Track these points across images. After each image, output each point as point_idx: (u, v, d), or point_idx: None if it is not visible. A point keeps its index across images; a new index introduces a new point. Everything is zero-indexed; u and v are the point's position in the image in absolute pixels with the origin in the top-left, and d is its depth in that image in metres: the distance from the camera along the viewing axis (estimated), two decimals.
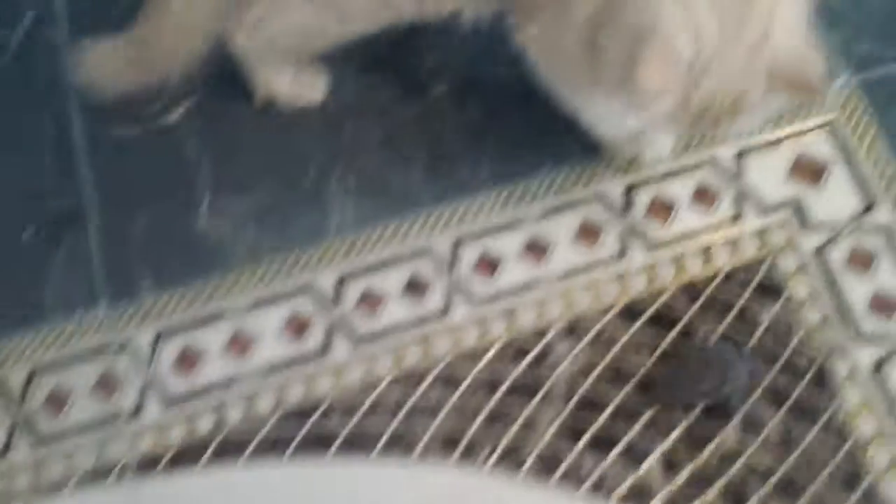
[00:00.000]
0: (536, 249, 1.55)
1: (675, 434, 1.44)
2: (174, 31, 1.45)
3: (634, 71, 1.12)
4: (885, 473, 1.40)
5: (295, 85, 1.59)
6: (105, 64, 1.47)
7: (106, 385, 1.50)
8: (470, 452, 1.44)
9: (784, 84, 1.18)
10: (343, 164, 1.60)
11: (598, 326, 1.50)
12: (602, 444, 1.44)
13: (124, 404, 1.49)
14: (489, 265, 1.54)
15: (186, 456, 1.46)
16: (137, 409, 1.49)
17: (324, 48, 1.51)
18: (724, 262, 1.54)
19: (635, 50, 1.13)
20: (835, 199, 1.57)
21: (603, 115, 1.45)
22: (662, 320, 1.50)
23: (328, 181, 1.59)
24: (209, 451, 1.46)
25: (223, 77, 1.61)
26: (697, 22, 1.14)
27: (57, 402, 1.50)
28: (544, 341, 1.50)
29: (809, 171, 1.59)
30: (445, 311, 1.52)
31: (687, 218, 1.56)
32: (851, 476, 1.41)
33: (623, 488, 1.42)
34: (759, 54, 1.16)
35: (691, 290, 1.52)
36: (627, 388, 1.47)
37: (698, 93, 1.17)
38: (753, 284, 1.52)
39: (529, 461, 1.44)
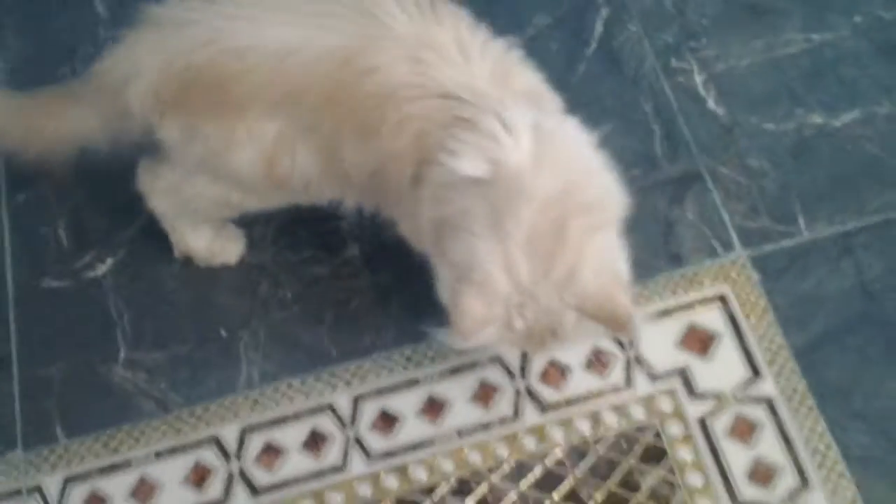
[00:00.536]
0: (434, 407, 1.62)
1: None
2: (55, 128, 1.57)
3: (456, 307, 1.27)
4: None
5: (212, 245, 1.70)
6: None
7: None
8: None
9: (593, 317, 1.30)
10: (256, 320, 1.70)
11: (485, 484, 1.56)
12: None
13: None
14: (387, 421, 1.61)
15: None
16: None
17: (235, 215, 1.63)
18: (612, 425, 1.60)
19: (456, 287, 1.28)
20: (721, 369, 1.65)
21: None
22: (550, 479, 1.56)
23: (240, 337, 1.68)
24: None
25: (149, 233, 1.73)
26: (512, 260, 1.27)
27: None
28: (435, 498, 1.56)
29: (699, 340, 1.67)
30: (343, 465, 1.59)
31: (579, 382, 1.63)
32: None
33: None
34: (568, 289, 1.29)
35: (579, 452, 1.58)
36: None
37: (519, 321, 1.29)
38: (639, 449, 1.58)
39: None
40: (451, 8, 1.39)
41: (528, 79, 1.41)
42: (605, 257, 1.32)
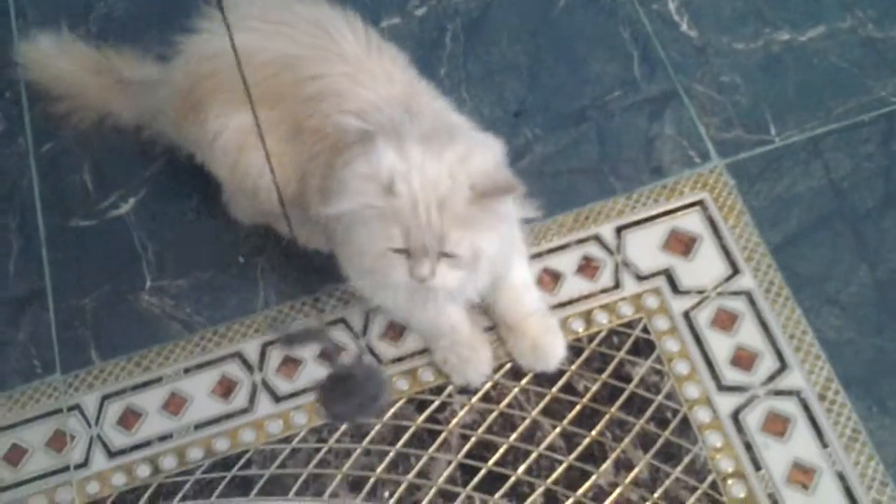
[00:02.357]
0: None
1: (554, 474, 1.62)
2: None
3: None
4: None
5: (299, 231, 1.71)
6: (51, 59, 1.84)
7: (58, 441, 1.70)
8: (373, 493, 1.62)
9: (485, 188, 1.34)
10: (271, 246, 1.83)
11: (489, 382, 1.70)
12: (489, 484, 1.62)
13: (73, 457, 1.69)
14: (396, 332, 1.75)
15: (126, 500, 1.65)
16: (85, 461, 1.68)
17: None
18: (603, 323, 1.73)
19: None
20: (703, 268, 1.77)
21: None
22: (548, 375, 1.69)
23: (257, 262, 1.82)
24: (146, 496, 1.65)
25: (166, 174, 1.88)
26: (403, 147, 1.34)
27: (15, 456, 1.70)
28: (443, 395, 1.69)
29: (681, 243, 1.79)
30: None
31: (572, 286, 1.76)
32: None
33: None
34: (460, 167, 1.34)
35: (575, 349, 1.71)
36: (514, 435, 1.65)
37: (402, 185, 1.33)
38: (629, 343, 1.72)
39: (426, 500, 1.61)
40: (389, 44, 1.58)
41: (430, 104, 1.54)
42: (488, 156, 1.39)
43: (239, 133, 1.56)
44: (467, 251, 1.36)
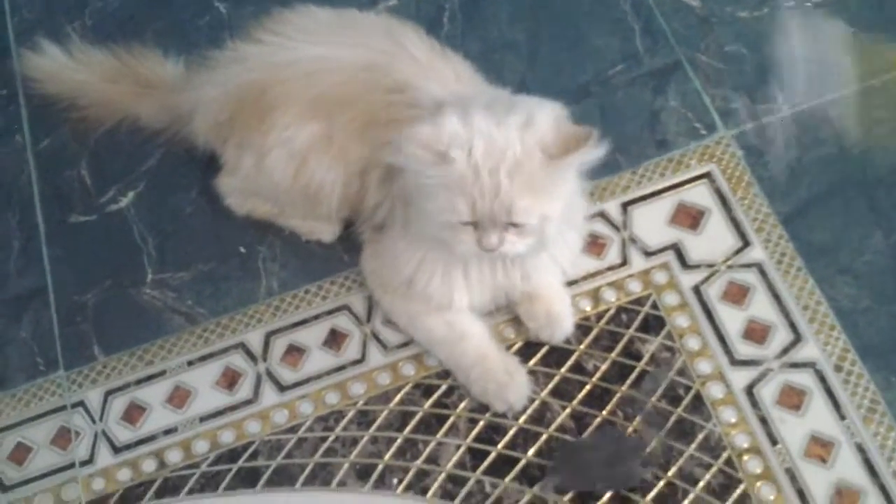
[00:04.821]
0: None
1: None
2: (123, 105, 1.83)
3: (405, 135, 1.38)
4: (756, 480, 1.53)
5: (302, 225, 1.81)
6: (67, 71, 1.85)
7: (62, 438, 1.68)
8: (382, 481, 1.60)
9: (558, 146, 1.35)
10: (272, 236, 1.81)
11: None
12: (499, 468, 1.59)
13: (78, 453, 1.67)
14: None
15: (133, 495, 1.63)
16: (91, 457, 1.66)
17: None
18: (611, 301, 1.70)
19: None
20: (712, 241, 1.73)
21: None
22: (557, 355, 1.66)
23: (258, 252, 1.80)
24: (152, 490, 1.63)
25: (164, 167, 1.86)
26: (469, 117, 1.36)
27: (20, 454, 1.68)
28: (450, 380, 1.66)
29: (689, 217, 1.76)
30: (362, 358, 1.70)
31: (578, 265, 1.72)
32: (725, 486, 1.53)
33: None
34: (527, 131, 1.36)
35: (583, 328, 1.68)
36: (523, 417, 1.62)
37: (460, 153, 1.35)
38: (638, 320, 1.68)
39: (435, 485, 1.58)
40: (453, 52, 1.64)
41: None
42: (551, 114, 1.41)
43: (309, 141, 1.59)
44: (536, 219, 1.37)
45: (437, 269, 1.56)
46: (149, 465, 1.66)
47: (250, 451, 1.65)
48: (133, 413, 1.70)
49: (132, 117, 1.86)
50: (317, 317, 1.74)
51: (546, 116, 1.38)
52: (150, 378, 1.72)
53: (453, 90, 1.53)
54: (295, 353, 1.71)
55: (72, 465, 1.66)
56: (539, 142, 1.35)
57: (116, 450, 1.67)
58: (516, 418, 1.62)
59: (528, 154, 1.34)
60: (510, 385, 1.60)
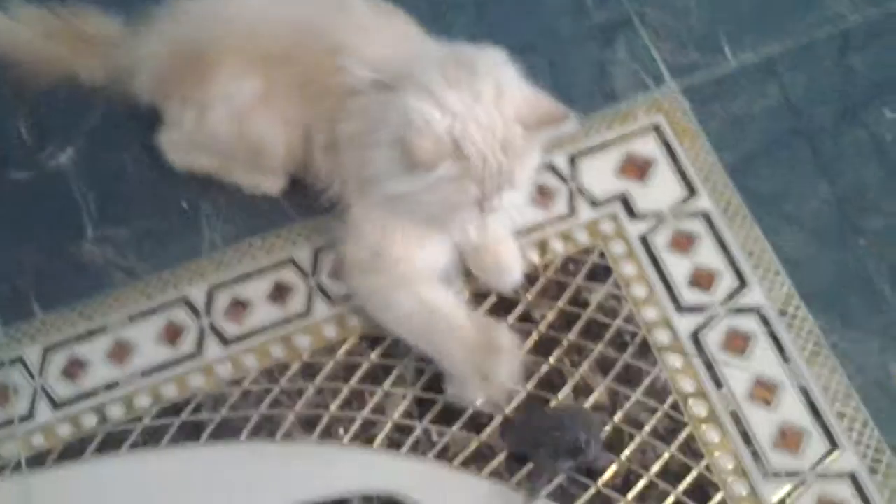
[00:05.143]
0: None
1: (513, 403, 1.57)
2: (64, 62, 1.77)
3: (411, 154, 1.34)
4: (702, 424, 1.53)
5: (246, 178, 1.78)
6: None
7: (1, 395, 1.65)
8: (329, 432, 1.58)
9: (535, 122, 1.38)
10: (215, 190, 1.77)
11: None
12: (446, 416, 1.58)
13: (17, 410, 1.63)
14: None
15: (73, 450, 1.60)
16: (30, 413, 1.63)
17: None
18: (558, 251, 1.69)
19: (403, 143, 1.35)
20: (659, 191, 1.73)
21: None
22: (504, 304, 1.64)
23: (200, 206, 1.77)
24: (94, 445, 1.60)
25: (105, 123, 1.84)
26: (441, 101, 1.36)
27: None
28: None
29: (636, 167, 1.75)
30: (308, 311, 1.67)
31: (528, 214, 1.70)
32: (671, 430, 1.53)
33: (466, 453, 1.54)
34: (502, 104, 1.37)
35: (530, 278, 1.67)
36: None
37: (469, 146, 1.36)
38: (585, 269, 1.67)
39: (382, 435, 1.57)
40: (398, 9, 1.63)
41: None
42: (512, 77, 1.42)
43: (250, 96, 1.58)
44: (527, 178, 1.45)
45: (401, 233, 1.54)
46: (90, 421, 1.62)
47: (193, 404, 1.62)
48: (73, 369, 1.66)
49: (72, 74, 1.81)
50: (261, 270, 1.71)
51: (511, 82, 1.40)
52: (90, 334, 1.69)
53: (395, 52, 1.52)
54: (239, 306, 1.69)
55: (10, 422, 1.62)
56: (516, 116, 1.37)
57: (56, 405, 1.63)
58: None
59: (510, 129, 1.37)
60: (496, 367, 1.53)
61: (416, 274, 1.56)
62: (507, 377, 1.51)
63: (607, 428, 1.54)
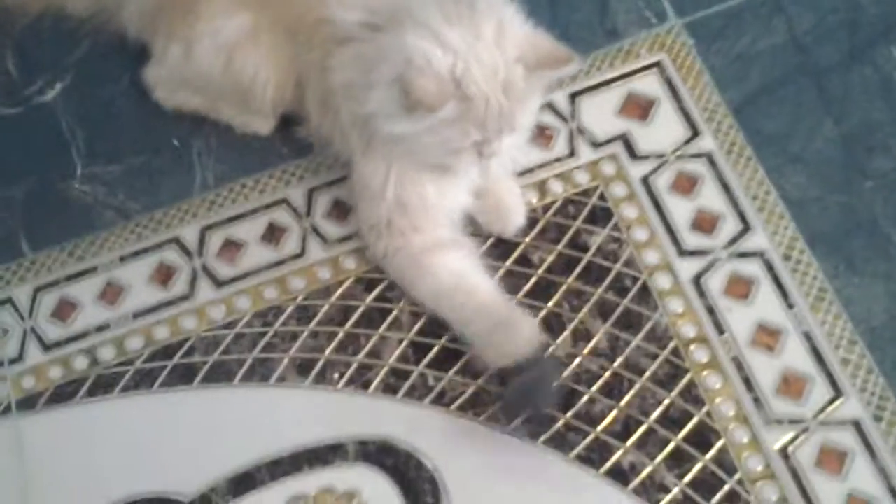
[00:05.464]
0: None
1: None
2: None
3: (412, 94, 1.28)
4: (703, 370, 1.51)
5: (237, 118, 1.73)
6: None
7: None
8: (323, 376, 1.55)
9: (536, 62, 1.33)
10: (208, 128, 1.73)
11: None
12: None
13: (7, 352, 1.61)
14: (341, 210, 1.66)
15: (64, 393, 1.58)
16: (20, 355, 1.60)
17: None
18: (558, 192, 1.65)
19: (403, 82, 1.29)
20: (661, 132, 1.69)
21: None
22: (502, 247, 1.61)
23: (192, 144, 1.73)
24: (85, 387, 1.57)
25: (94, 57, 1.78)
26: (441, 39, 1.31)
27: None
28: None
29: (638, 107, 1.71)
30: (302, 252, 1.64)
31: (526, 155, 1.66)
32: (671, 376, 1.51)
33: (463, 398, 1.52)
34: (504, 44, 1.32)
35: (530, 220, 1.63)
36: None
37: (471, 87, 1.31)
38: (585, 211, 1.63)
39: (377, 379, 1.54)
40: None
41: None
42: (514, 17, 1.38)
43: (237, 33, 1.54)
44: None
45: (409, 180, 1.50)
46: (80, 363, 1.59)
47: (186, 347, 1.59)
48: (64, 310, 1.63)
49: (58, 6, 1.75)
50: (254, 211, 1.68)
51: (512, 19, 1.35)
52: (80, 274, 1.65)
53: None
54: (232, 247, 1.65)
55: (0, 364, 1.60)
56: (518, 57, 1.33)
57: (47, 347, 1.61)
58: None
59: (511, 70, 1.33)
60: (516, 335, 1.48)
61: (435, 226, 1.52)
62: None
63: (607, 374, 1.50)
